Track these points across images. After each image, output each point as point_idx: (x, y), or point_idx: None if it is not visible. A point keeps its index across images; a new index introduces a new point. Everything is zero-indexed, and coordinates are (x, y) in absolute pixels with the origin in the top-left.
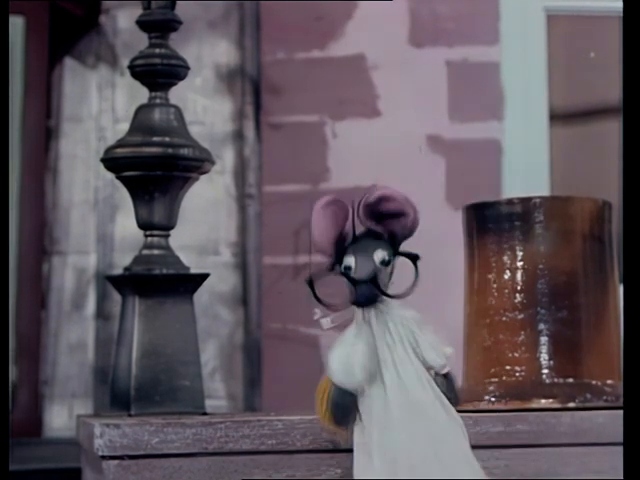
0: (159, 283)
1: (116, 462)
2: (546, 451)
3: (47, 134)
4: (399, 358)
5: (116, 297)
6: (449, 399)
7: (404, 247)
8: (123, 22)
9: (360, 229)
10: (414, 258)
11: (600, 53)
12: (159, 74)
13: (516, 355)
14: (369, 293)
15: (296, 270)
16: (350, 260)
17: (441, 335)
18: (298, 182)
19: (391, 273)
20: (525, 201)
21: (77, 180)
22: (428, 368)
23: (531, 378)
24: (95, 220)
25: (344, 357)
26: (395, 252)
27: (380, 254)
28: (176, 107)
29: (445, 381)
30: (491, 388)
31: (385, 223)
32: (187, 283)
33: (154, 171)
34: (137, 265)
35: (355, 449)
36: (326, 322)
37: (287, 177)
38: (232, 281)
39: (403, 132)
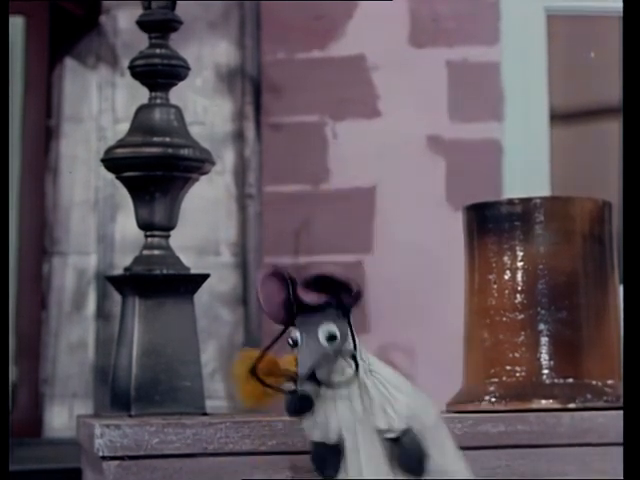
0: (159, 283)
1: (116, 462)
2: (547, 451)
3: (47, 134)
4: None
5: (116, 297)
6: (406, 466)
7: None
8: (123, 22)
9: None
10: (353, 357)
11: (600, 53)
12: (159, 74)
13: (516, 355)
14: (301, 404)
15: (296, 270)
16: (296, 334)
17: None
18: (298, 182)
19: (351, 333)
20: (525, 201)
21: (77, 180)
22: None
23: (531, 378)
24: (95, 220)
25: (322, 415)
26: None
27: (324, 329)
28: (176, 107)
29: (402, 445)
30: (491, 388)
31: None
32: (187, 283)
33: (154, 171)
34: (137, 265)
35: None
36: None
37: (287, 177)
38: (232, 281)
39: (403, 132)
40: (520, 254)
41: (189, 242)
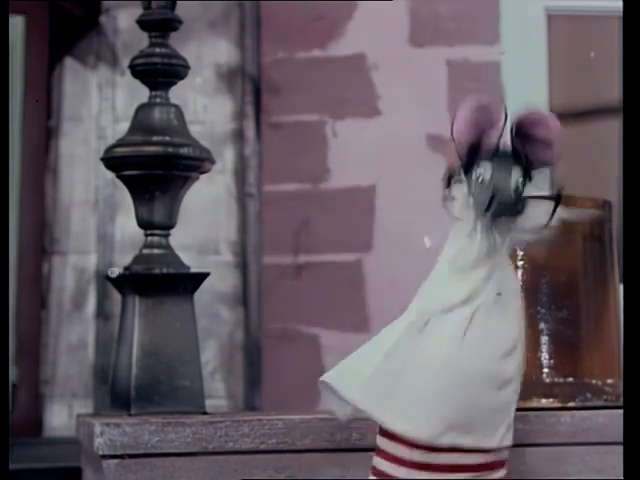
0: (159, 282)
1: (116, 461)
2: (546, 450)
3: (47, 134)
4: None
5: (116, 297)
6: None
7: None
8: (123, 22)
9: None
10: (557, 198)
11: (600, 53)
12: (159, 73)
13: None
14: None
15: (296, 269)
16: (487, 170)
17: None
18: (298, 181)
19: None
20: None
21: (77, 180)
22: None
23: (531, 377)
24: (95, 220)
25: None
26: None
27: (516, 175)
28: (176, 106)
29: None
30: None
31: (529, 146)
32: (187, 282)
33: (154, 170)
34: (137, 264)
35: None
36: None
37: (287, 176)
38: (232, 280)
39: (403, 131)
40: (520, 253)
41: (189, 241)
